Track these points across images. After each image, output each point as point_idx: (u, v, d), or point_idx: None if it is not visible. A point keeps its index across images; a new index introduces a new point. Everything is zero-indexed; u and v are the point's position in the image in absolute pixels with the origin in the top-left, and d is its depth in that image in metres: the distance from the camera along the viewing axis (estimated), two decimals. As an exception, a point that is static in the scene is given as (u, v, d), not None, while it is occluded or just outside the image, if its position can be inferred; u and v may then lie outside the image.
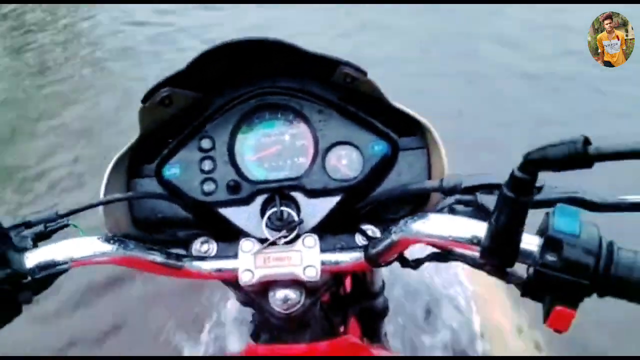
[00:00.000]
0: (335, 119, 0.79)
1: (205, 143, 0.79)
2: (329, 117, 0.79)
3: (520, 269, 0.55)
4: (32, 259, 0.61)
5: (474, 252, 0.55)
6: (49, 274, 0.61)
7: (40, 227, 0.67)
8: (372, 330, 1.24)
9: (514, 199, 0.46)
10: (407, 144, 0.79)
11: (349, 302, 1.11)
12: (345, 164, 0.78)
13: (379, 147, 0.78)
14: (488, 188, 0.61)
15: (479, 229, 0.54)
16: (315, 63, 0.74)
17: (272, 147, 0.80)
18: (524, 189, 0.46)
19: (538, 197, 0.57)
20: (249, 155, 0.80)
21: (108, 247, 0.66)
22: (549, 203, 0.56)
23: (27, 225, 0.66)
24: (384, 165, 0.79)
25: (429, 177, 0.78)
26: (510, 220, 0.48)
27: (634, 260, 0.48)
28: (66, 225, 0.69)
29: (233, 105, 0.81)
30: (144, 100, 0.72)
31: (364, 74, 0.72)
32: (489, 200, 0.59)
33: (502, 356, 2.05)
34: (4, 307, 0.59)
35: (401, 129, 0.79)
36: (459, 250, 0.59)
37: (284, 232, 0.72)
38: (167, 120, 0.78)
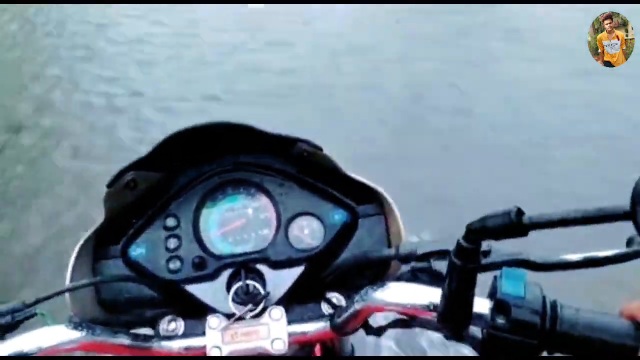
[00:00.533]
0: (296, 190, 0.83)
1: (170, 221, 0.81)
2: (290, 189, 0.83)
3: (477, 331, 0.58)
4: (1, 351, 0.60)
5: (432, 317, 0.58)
6: None
7: (7, 318, 0.66)
8: None
9: (462, 267, 0.50)
10: (366, 211, 0.83)
11: None
12: (308, 233, 0.81)
13: (339, 216, 0.82)
14: (440, 254, 0.65)
15: (434, 295, 0.57)
16: (275, 140, 0.78)
17: (237, 221, 0.83)
18: (470, 257, 0.49)
19: (485, 261, 0.61)
20: (213, 230, 0.83)
21: (76, 334, 0.66)
22: (496, 266, 0.60)
23: None
24: (345, 233, 0.82)
25: (388, 241, 0.82)
26: (461, 285, 0.52)
27: (575, 317, 0.51)
28: (33, 315, 0.68)
29: (196, 183, 0.83)
30: (109, 185, 0.74)
31: (320, 149, 0.76)
32: (443, 266, 0.63)
33: None
34: None
35: (359, 197, 0.83)
36: (419, 316, 0.62)
37: (250, 306, 0.73)
38: (132, 202, 0.80)
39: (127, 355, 0.73)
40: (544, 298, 0.52)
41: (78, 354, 0.68)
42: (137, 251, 0.80)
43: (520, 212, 0.45)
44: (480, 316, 0.54)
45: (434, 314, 0.57)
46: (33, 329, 0.66)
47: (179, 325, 0.77)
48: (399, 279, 0.68)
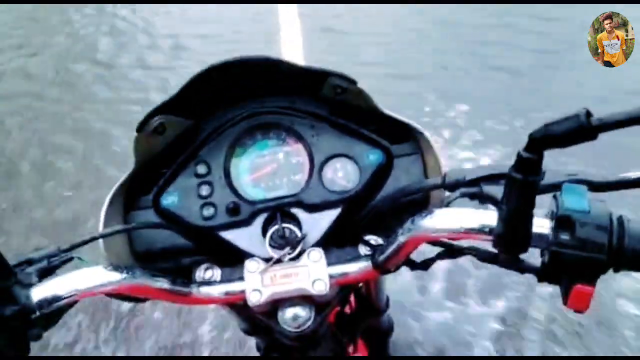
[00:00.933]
0: (328, 132, 0.80)
1: (201, 168, 0.79)
2: (321, 131, 0.80)
3: (531, 259, 0.55)
4: (39, 293, 0.59)
5: (486, 243, 0.55)
6: (57, 307, 0.60)
7: (44, 263, 0.65)
8: (379, 347, 1.23)
9: (522, 181, 0.47)
10: (401, 150, 0.80)
11: (355, 320, 1.09)
12: (342, 176, 0.79)
13: (373, 156, 0.79)
14: (492, 178, 0.62)
15: (488, 217, 0.54)
16: (303, 77, 0.75)
17: (267, 167, 0.81)
18: (531, 169, 0.46)
19: (542, 182, 0.58)
20: (245, 176, 0.80)
21: (114, 276, 0.64)
22: (554, 187, 0.57)
23: (30, 262, 0.64)
24: (381, 174, 0.79)
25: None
26: (520, 203, 0.49)
27: None
28: (70, 259, 0.67)
29: (224, 128, 0.81)
30: (138, 129, 0.72)
31: (354, 83, 0.73)
32: (494, 191, 0.60)
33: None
34: (13, 345, 0.57)
35: (394, 136, 0.80)
36: (469, 243, 0.59)
37: (287, 249, 0.72)
38: (160, 150, 0.78)
39: (165, 300, 0.71)
40: (610, 213, 0.49)
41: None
42: (168, 200, 0.78)
43: (589, 114, 0.42)
44: (540, 236, 0.51)
45: (490, 238, 0.54)
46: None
47: (215, 272, 0.76)
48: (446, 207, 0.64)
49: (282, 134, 0.82)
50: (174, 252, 0.79)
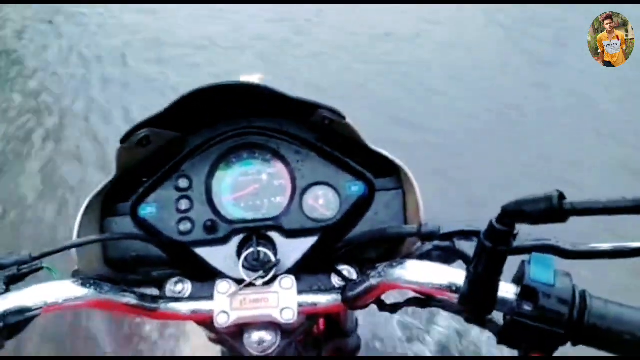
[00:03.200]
0: (313, 159, 0.80)
1: (183, 182, 0.79)
2: (307, 157, 0.80)
3: (497, 316, 0.56)
4: (4, 304, 0.59)
5: (453, 299, 0.56)
6: (21, 319, 0.60)
7: (13, 270, 0.65)
8: None
9: (492, 249, 0.48)
10: (384, 184, 0.81)
11: (322, 341, 1.10)
12: (323, 203, 0.79)
13: (355, 188, 0.79)
14: (466, 235, 0.63)
15: (457, 276, 0.55)
16: (294, 105, 0.75)
17: (250, 187, 0.81)
18: (502, 240, 0.47)
19: (515, 244, 0.59)
20: (226, 194, 0.80)
21: (82, 291, 0.64)
22: (524, 250, 0.58)
23: (0, 267, 0.64)
24: (361, 206, 0.79)
25: (405, 217, 0.79)
26: (489, 268, 0.50)
27: (605, 309, 0.49)
28: (40, 269, 0.67)
29: (211, 145, 0.81)
30: (122, 141, 0.72)
31: (343, 117, 0.73)
32: (466, 246, 0.61)
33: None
34: None
35: (377, 169, 0.80)
36: (438, 296, 0.60)
37: (260, 273, 0.72)
38: (143, 160, 0.78)
39: (132, 315, 0.71)
40: (573, 287, 0.50)
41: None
42: (147, 210, 0.78)
43: (562, 197, 0.42)
44: (504, 301, 0.52)
45: (456, 296, 0.54)
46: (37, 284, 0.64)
47: (186, 287, 0.76)
48: (419, 257, 0.65)
49: (268, 155, 0.82)
50: (147, 262, 0.79)
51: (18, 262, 0.65)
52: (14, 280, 0.64)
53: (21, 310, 0.59)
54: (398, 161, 0.76)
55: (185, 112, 0.74)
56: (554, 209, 0.42)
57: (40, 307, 0.60)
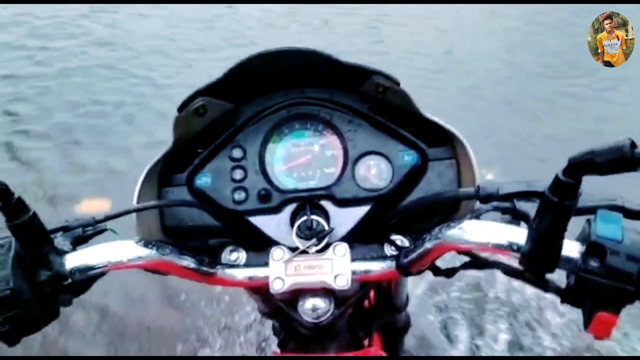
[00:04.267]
0: (365, 129, 0.80)
1: (237, 152, 0.80)
2: (359, 127, 0.80)
3: (556, 278, 0.55)
4: (72, 261, 0.61)
5: (512, 259, 0.55)
6: (88, 276, 0.62)
7: (79, 231, 0.67)
8: (394, 344, 1.23)
9: (557, 203, 0.46)
10: (437, 154, 0.80)
11: (373, 315, 1.10)
12: (375, 173, 0.79)
13: (408, 157, 0.79)
14: (527, 195, 0.61)
15: (518, 235, 0.54)
16: (347, 73, 0.75)
17: (302, 157, 0.81)
18: (568, 193, 0.46)
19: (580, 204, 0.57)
20: (279, 165, 0.81)
21: (144, 251, 0.66)
22: (589, 210, 0.56)
23: (65, 229, 0.66)
24: (414, 175, 0.79)
25: (459, 187, 0.78)
26: (553, 225, 0.48)
27: None
28: (104, 230, 0.69)
29: (264, 115, 0.82)
30: (180, 109, 0.73)
31: (397, 83, 0.72)
32: (526, 208, 0.59)
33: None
34: (44, 310, 0.60)
35: (431, 139, 0.79)
36: (495, 257, 0.59)
37: (314, 241, 0.72)
38: (198, 130, 0.79)
39: (190, 279, 0.73)
40: None
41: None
42: (202, 180, 0.80)
43: (633, 145, 0.41)
44: (569, 259, 0.50)
45: (517, 255, 0.53)
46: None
47: (241, 255, 0.77)
48: (476, 218, 0.64)
49: (320, 126, 0.82)
50: (202, 231, 0.81)
51: (82, 225, 0.67)
52: (79, 241, 0.66)
53: (88, 268, 0.62)
54: (453, 129, 0.75)
55: (239, 81, 0.75)
56: (625, 157, 0.41)
57: (106, 265, 0.63)
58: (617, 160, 0.41)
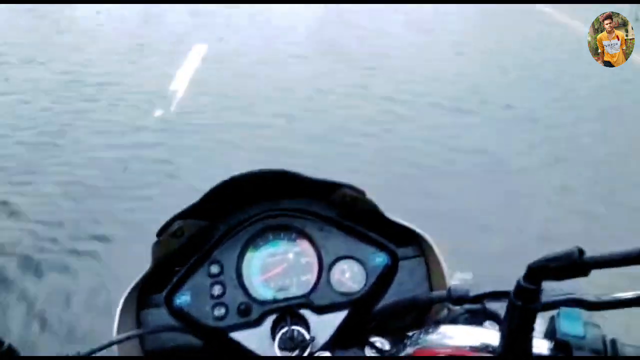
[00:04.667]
0: (336, 234, 0.84)
1: (214, 268, 0.82)
2: (330, 233, 0.84)
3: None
4: None
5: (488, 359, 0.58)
6: None
7: None
8: None
9: (522, 307, 0.50)
10: (406, 253, 0.84)
11: None
12: (349, 277, 0.82)
13: (379, 259, 0.83)
14: (495, 296, 0.65)
15: (491, 337, 0.57)
16: (316, 186, 0.80)
17: (278, 267, 0.84)
18: (530, 298, 0.50)
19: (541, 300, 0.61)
20: (256, 276, 0.83)
21: None
22: (552, 306, 0.60)
23: None
24: (386, 276, 0.82)
25: (430, 284, 0.82)
26: (521, 327, 0.52)
27: (636, 354, 0.51)
28: None
29: (238, 229, 0.85)
30: (159, 234, 0.76)
31: (363, 194, 0.78)
32: (495, 308, 0.63)
33: None
34: None
35: (399, 239, 0.84)
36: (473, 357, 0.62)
37: (296, 352, 0.74)
38: (176, 250, 0.82)
39: None
40: (603, 337, 0.52)
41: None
42: (181, 299, 0.81)
43: (581, 252, 0.46)
44: (539, 357, 0.54)
45: (492, 356, 0.57)
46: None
47: None
48: (451, 321, 0.68)
49: (293, 235, 0.86)
50: (185, 351, 0.81)
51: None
52: None
53: None
54: (417, 229, 0.80)
55: (214, 201, 0.79)
56: (575, 264, 0.45)
57: None
58: (569, 267, 0.46)
